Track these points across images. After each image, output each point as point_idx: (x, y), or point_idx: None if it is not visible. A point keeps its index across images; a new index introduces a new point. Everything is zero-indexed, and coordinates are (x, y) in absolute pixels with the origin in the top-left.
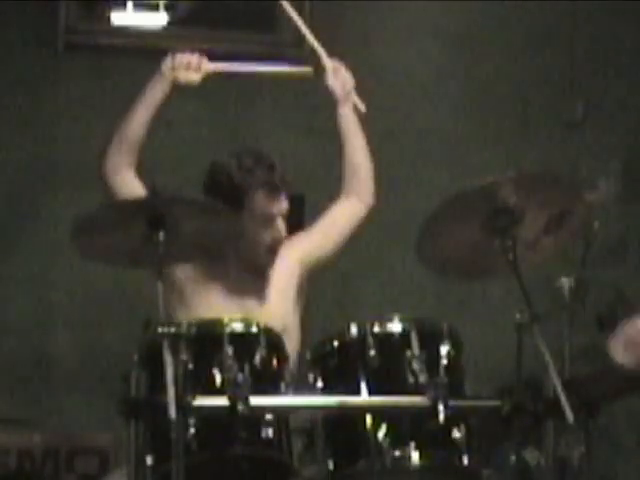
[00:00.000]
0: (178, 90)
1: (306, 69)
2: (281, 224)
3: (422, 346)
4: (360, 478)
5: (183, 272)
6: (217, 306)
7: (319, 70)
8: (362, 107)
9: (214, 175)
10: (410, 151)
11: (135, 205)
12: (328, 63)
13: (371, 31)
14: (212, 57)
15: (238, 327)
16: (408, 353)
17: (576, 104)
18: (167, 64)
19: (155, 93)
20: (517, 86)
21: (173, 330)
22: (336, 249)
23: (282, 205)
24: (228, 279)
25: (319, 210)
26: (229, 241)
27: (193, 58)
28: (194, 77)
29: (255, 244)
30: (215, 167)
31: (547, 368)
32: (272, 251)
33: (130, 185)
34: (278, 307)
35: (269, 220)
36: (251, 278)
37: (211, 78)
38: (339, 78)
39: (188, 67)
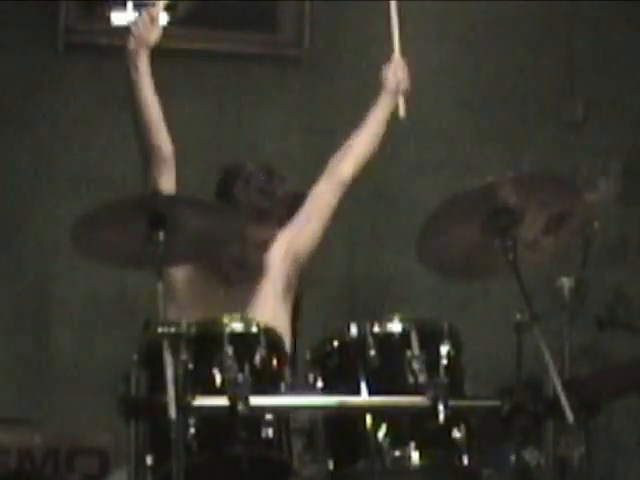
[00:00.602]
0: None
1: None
2: (272, 221)
3: (422, 346)
4: (360, 478)
5: (177, 271)
6: (205, 306)
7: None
8: (403, 113)
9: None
10: (410, 151)
11: (135, 205)
12: (397, 56)
13: (371, 31)
14: (212, 57)
15: (238, 327)
16: (408, 353)
17: (576, 104)
18: (131, 42)
19: (140, 70)
20: (517, 86)
21: (173, 330)
22: (322, 232)
23: (260, 235)
24: (216, 278)
25: None
26: (229, 241)
27: (145, 18)
28: (157, 32)
29: (243, 240)
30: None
31: (547, 368)
32: (260, 248)
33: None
34: (267, 308)
35: (259, 215)
36: (239, 277)
37: (211, 78)
38: (397, 74)
39: (147, 30)
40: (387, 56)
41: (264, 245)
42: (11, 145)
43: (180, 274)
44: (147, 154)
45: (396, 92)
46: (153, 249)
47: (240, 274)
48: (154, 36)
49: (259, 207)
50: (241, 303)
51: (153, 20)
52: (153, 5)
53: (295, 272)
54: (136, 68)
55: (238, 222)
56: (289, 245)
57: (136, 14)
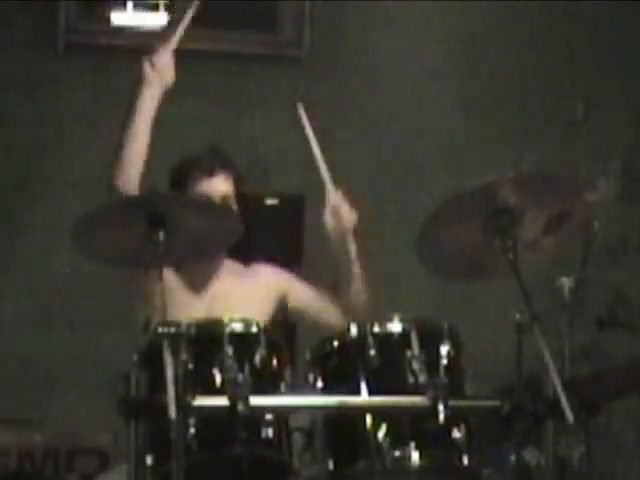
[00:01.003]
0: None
1: None
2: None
3: (422, 346)
4: (360, 478)
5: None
6: (185, 308)
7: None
8: (353, 252)
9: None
10: (410, 151)
11: (135, 205)
12: (331, 193)
13: (371, 31)
14: (212, 57)
15: (238, 327)
16: (408, 353)
17: (576, 104)
18: (148, 70)
19: (148, 102)
20: (517, 86)
21: (173, 330)
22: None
23: (221, 186)
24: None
25: (319, 210)
26: (229, 241)
27: (164, 57)
28: (171, 74)
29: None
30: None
31: (547, 368)
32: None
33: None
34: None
35: (211, 170)
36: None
37: (211, 78)
38: (338, 214)
39: (166, 68)
40: (387, 56)
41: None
42: (11, 145)
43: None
44: (113, 173)
45: (342, 235)
46: (153, 249)
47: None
48: (171, 75)
49: (209, 165)
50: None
51: (170, 63)
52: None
53: (277, 310)
54: (144, 98)
55: (239, 222)
56: (279, 289)
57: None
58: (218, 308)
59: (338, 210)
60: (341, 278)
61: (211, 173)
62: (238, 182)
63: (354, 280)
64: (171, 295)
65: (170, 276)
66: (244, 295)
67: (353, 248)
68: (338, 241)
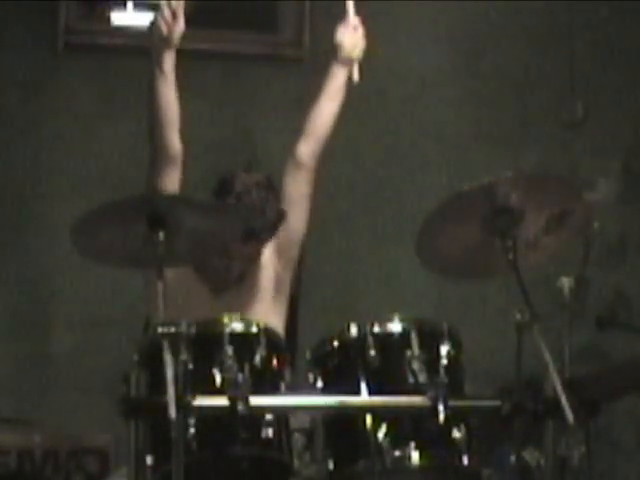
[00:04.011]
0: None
1: None
2: (259, 241)
3: (422, 346)
4: (360, 478)
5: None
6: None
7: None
8: (356, 77)
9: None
10: (410, 151)
11: (135, 205)
12: (351, 17)
13: (371, 31)
14: (212, 57)
15: (238, 327)
16: (408, 353)
17: (576, 104)
18: (154, 41)
19: (165, 69)
20: (517, 86)
21: (173, 330)
22: (305, 221)
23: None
24: (203, 284)
25: (319, 210)
26: (229, 241)
27: (166, 14)
28: (180, 28)
29: (228, 255)
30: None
31: (547, 368)
32: (245, 262)
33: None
34: (256, 314)
35: (247, 234)
36: (224, 285)
37: (211, 78)
38: (352, 38)
39: (170, 27)
40: (387, 56)
41: (249, 259)
42: (11, 145)
43: (169, 276)
44: (156, 152)
45: (350, 59)
46: (153, 249)
47: (225, 284)
48: (178, 33)
49: (248, 226)
50: (228, 309)
51: (175, 16)
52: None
53: (285, 268)
54: (161, 68)
55: (239, 222)
56: (275, 242)
57: (156, 12)
58: (236, 307)
59: (356, 30)
60: (314, 119)
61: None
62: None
63: (328, 120)
64: (189, 295)
65: (190, 276)
66: (257, 292)
67: (342, 83)
68: (339, 67)
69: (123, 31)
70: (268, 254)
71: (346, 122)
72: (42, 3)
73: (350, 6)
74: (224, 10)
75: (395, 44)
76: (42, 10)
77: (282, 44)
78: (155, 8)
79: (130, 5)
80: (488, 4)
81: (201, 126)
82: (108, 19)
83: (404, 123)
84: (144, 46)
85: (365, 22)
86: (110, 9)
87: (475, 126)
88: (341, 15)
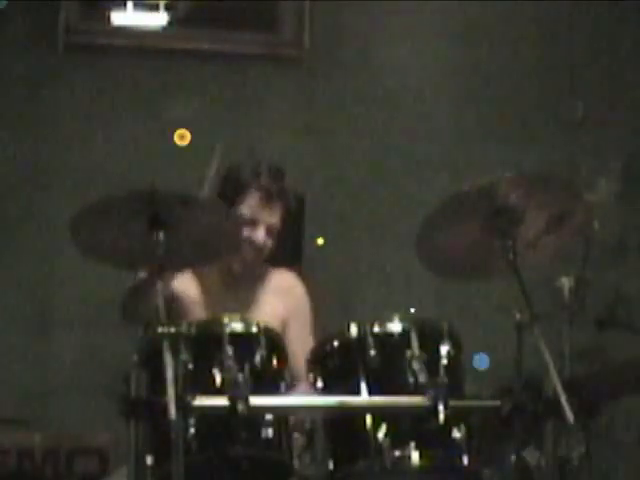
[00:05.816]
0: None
1: None
2: (280, 205)
3: (422, 346)
4: (360, 478)
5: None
6: (212, 304)
7: None
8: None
9: (227, 171)
10: (410, 151)
11: (135, 204)
12: None
13: (371, 31)
14: (212, 57)
15: (238, 327)
16: (408, 353)
17: (576, 104)
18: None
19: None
20: (517, 86)
21: (173, 330)
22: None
23: (272, 219)
24: (225, 278)
25: (319, 210)
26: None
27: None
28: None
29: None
30: (232, 166)
31: (547, 368)
32: (248, 259)
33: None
34: (266, 305)
35: (268, 197)
36: (245, 276)
37: (211, 78)
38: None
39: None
40: (387, 56)
41: (270, 233)
42: (11, 145)
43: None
44: None
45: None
46: (153, 249)
47: (245, 273)
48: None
49: (269, 189)
50: (246, 301)
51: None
52: None
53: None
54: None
55: (239, 222)
56: (283, 316)
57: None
58: (253, 308)
59: None
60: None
61: (268, 199)
62: (286, 215)
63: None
64: (206, 295)
65: (205, 277)
66: (267, 298)
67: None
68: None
69: (123, 31)
70: (280, 306)
71: (346, 122)
72: (42, 3)
73: None
74: (224, 10)
75: (395, 44)
76: (42, 10)
77: (282, 44)
78: (155, 8)
79: (130, 5)
80: (488, 4)
81: (201, 126)
82: (108, 19)
83: (404, 123)
84: (144, 46)
85: (367, 22)
86: (110, 9)
87: (475, 126)
88: (341, 16)
